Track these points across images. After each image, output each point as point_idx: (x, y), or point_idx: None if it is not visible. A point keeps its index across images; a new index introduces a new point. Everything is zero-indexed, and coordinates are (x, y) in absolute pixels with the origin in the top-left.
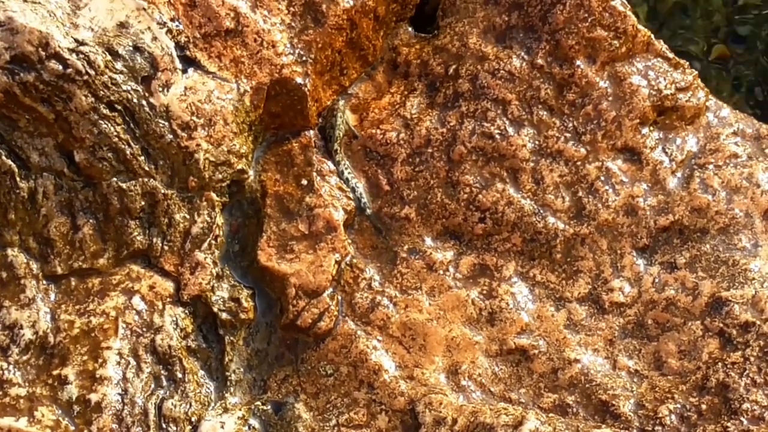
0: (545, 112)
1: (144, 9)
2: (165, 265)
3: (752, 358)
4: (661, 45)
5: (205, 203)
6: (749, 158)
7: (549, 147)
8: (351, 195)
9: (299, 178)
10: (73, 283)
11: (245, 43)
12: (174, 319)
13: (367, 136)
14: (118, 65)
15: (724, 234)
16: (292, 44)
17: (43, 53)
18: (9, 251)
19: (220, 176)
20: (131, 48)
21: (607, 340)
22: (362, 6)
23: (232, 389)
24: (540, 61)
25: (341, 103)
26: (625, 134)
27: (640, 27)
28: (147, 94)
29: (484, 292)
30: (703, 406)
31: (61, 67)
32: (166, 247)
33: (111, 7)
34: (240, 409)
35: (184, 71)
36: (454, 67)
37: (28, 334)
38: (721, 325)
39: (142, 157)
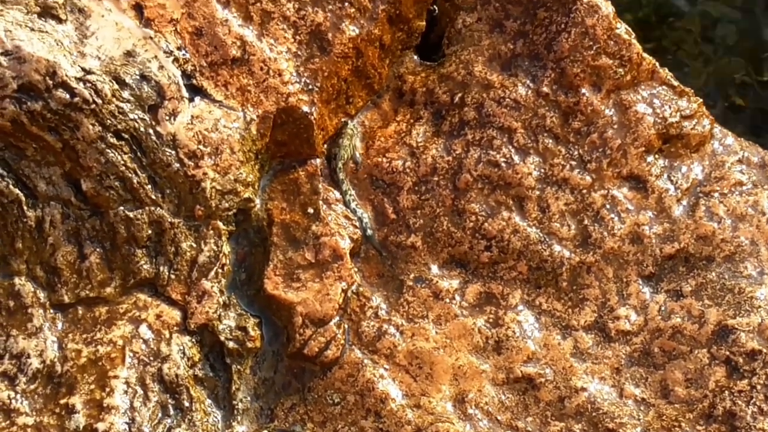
0: (551, 140)
1: (151, 38)
2: (172, 294)
3: (759, 386)
4: (666, 73)
5: (211, 232)
6: (754, 186)
7: (554, 175)
8: (357, 224)
9: (305, 206)
10: (80, 312)
11: (251, 71)
12: (181, 347)
13: (373, 165)
14: (125, 94)
15: (730, 262)
16: (299, 73)
17: (50, 82)
18: (16, 280)
19: (226, 205)
20: (138, 77)
21: (613, 368)
22: (368, 34)
23: (239, 418)
24: (545, 89)
25: (350, 125)
26: (630, 162)
27: (645, 55)
28: (154, 123)
29: (491, 320)
30: None
31: (68, 96)
32: (172, 276)
33: (118, 35)
34: None
35: (191, 100)
36: (459, 95)
37: (35, 363)
38: (728, 353)
39: (149, 186)
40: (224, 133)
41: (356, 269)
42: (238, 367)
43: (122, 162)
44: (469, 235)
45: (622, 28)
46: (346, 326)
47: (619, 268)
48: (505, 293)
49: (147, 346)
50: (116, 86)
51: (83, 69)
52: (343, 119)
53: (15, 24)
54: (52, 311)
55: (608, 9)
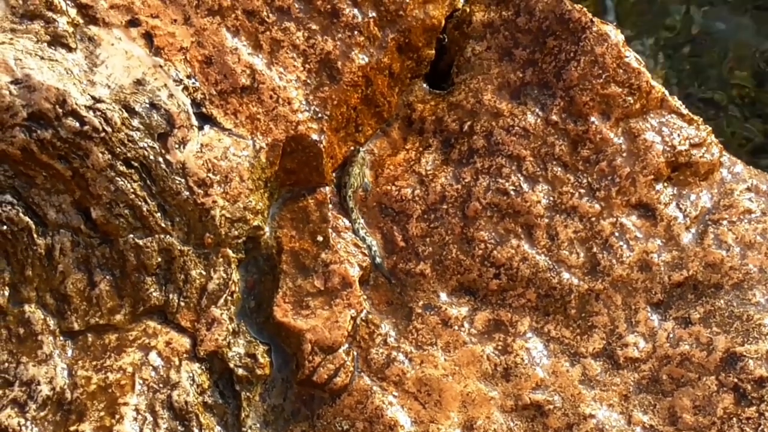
0: (560, 168)
1: (160, 66)
2: (181, 321)
3: (767, 413)
4: (675, 101)
5: (221, 260)
6: (763, 214)
7: (563, 203)
8: (366, 251)
9: (315, 234)
10: (90, 339)
11: (261, 100)
12: (190, 374)
13: (382, 193)
14: (135, 122)
15: (738, 289)
16: (308, 101)
17: (60, 110)
18: (26, 307)
19: (236, 233)
20: (148, 105)
21: (621, 395)
22: (377, 63)
23: None
24: (554, 118)
25: (360, 154)
26: (639, 190)
27: (654, 83)
28: (163, 151)
29: (499, 347)
30: None
31: (78, 125)
32: (182, 303)
33: (128, 64)
34: None
35: (201, 128)
36: (468, 123)
37: (45, 390)
38: (736, 380)
39: (159, 214)
40: (234, 161)
41: (365, 297)
42: (248, 394)
43: (132, 190)
44: (478, 262)
45: (631, 57)
46: (355, 353)
47: (628, 296)
48: (514, 321)
49: (156, 373)
50: (126, 114)
51: (93, 97)
52: (352, 147)
53: (25, 52)
54: (62, 338)
55: (617, 37)
